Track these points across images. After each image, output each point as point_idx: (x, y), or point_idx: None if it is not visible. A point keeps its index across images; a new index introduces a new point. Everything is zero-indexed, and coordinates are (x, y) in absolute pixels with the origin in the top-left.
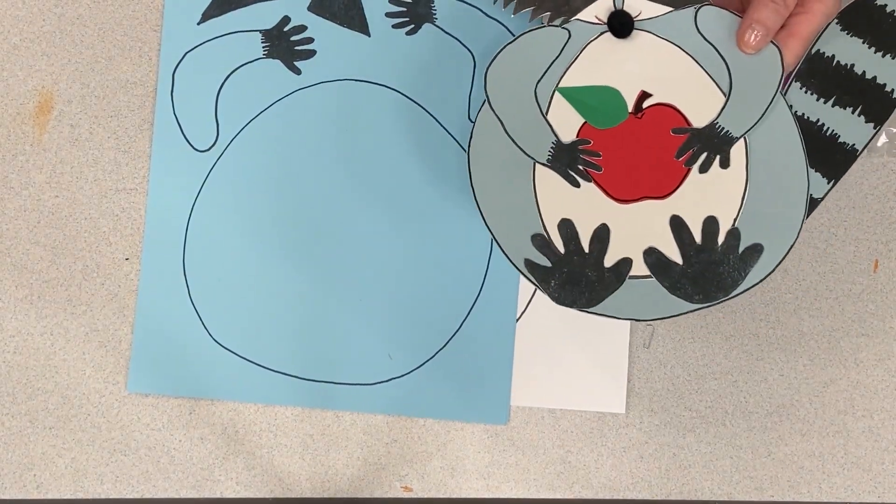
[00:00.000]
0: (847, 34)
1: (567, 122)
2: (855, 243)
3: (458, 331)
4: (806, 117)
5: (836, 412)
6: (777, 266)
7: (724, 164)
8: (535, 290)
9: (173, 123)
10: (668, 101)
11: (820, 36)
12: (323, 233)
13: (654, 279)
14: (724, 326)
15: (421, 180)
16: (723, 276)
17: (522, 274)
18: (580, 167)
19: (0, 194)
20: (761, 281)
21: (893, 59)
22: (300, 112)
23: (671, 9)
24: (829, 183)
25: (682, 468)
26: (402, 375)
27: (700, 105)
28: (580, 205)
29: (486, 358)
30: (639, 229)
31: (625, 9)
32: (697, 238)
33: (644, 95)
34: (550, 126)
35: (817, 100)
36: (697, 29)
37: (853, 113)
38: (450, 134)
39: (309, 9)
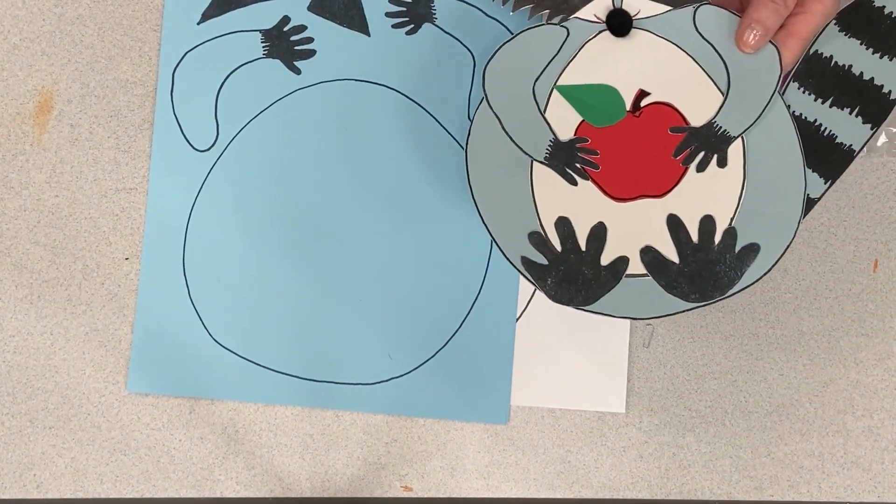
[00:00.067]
0: (845, 35)
1: (565, 121)
2: (854, 243)
3: (457, 330)
4: (803, 117)
5: (835, 412)
6: (773, 266)
7: (722, 163)
8: (535, 289)
9: (173, 123)
10: (667, 99)
11: (818, 36)
12: (323, 232)
13: (650, 278)
14: (723, 326)
15: (421, 180)
16: (719, 276)
17: (519, 272)
18: (578, 165)
19: (0, 194)
20: (757, 280)
21: (891, 60)
22: (300, 112)
23: (670, 8)
24: (826, 183)
25: (681, 468)
26: (402, 375)
27: (698, 104)
28: (577, 203)
29: (485, 358)
30: (636, 228)
31: (623, 7)
32: (694, 237)
33: (642, 94)
34: (548, 124)
35: (815, 100)
36: (696, 28)
37: (851, 114)
38: (450, 134)
39: (309, 9)
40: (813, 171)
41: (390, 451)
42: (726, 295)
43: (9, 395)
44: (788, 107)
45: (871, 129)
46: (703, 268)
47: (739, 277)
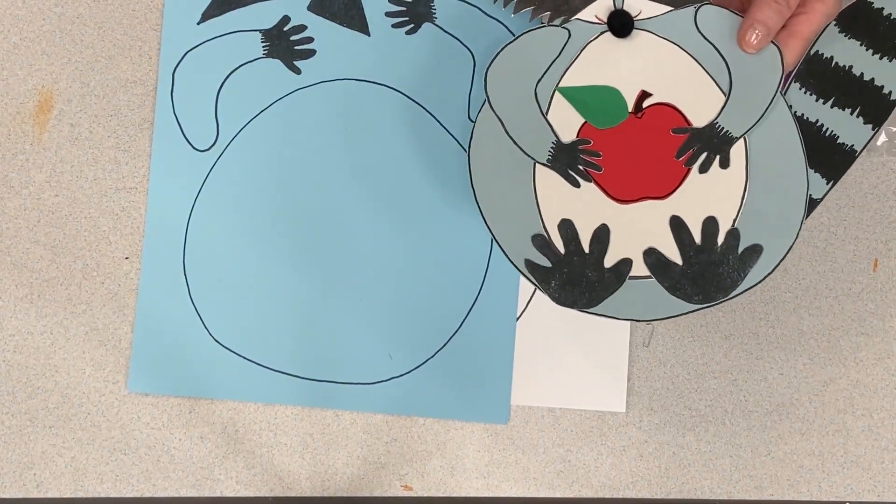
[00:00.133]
0: (845, 36)
1: (567, 122)
2: (855, 243)
3: (458, 330)
4: (805, 118)
5: (835, 411)
6: (776, 267)
7: (724, 164)
8: (535, 289)
9: (173, 123)
10: (668, 100)
11: (818, 37)
12: (323, 232)
13: (653, 279)
14: (723, 325)
15: (421, 180)
16: (722, 277)
17: (523, 274)
18: (580, 167)
19: (0, 194)
20: (760, 281)
21: (891, 61)
22: (300, 112)
23: (671, 8)
24: (828, 184)
25: (681, 467)
26: (403, 375)
27: (700, 105)
28: (580, 205)
29: (486, 357)
30: (639, 229)
31: (625, 8)
32: (697, 238)
33: (644, 95)
34: (550, 126)
35: (816, 100)
36: (697, 28)
37: (852, 114)
38: (450, 133)
39: (309, 8)
40: (815, 172)
41: (390, 450)
42: (729, 296)
43: (9, 395)
44: (790, 107)
45: (873, 129)
46: (706, 269)
47: (742, 279)
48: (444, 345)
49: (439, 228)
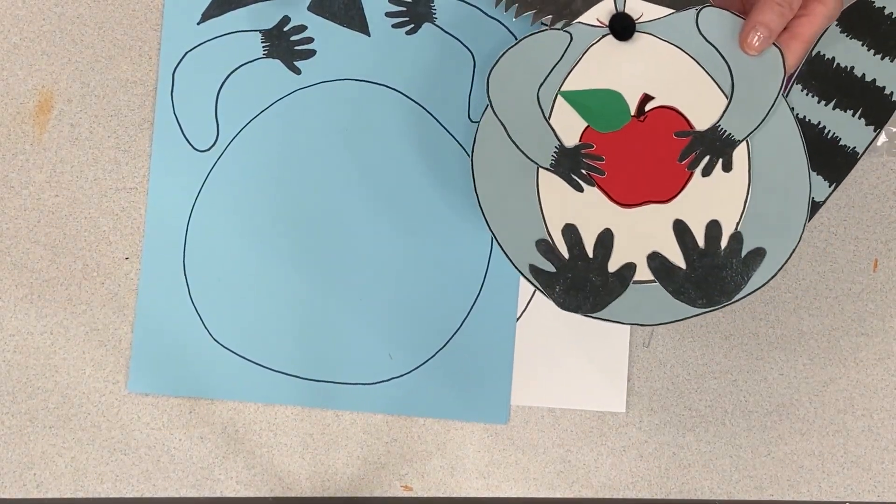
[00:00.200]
0: (847, 36)
1: (570, 126)
2: (855, 243)
3: (458, 330)
4: (807, 119)
5: (835, 411)
6: (779, 270)
7: (727, 167)
8: (536, 290)
9: (173, 123)
10: (671, 103)
11: (820, 38)
12: (323, 232)
13: (657, 284)
14: (723, 326)
15: (421, 180)
16: (726, 281)
17: (527, 280)
18: (583, 171)
19: (0, 194)
20: (764, 285)
21: (892, 61)
22: (300, 112)
23: (672, 10)
24: (830, 186)
25: (681, 467)
26: (403, 375)
27: (702, 107)
28: (584, 209)
29: (486, 357)
30: (642, 234)
31: (626, 11)
32: (701, 242)
33: (646, 98)
34: (553, 130)
35: (818, 102)
36: (699, 30)
37: (854, 115)
38: (450, 134)
39: (309, 8)
40: (817, 174)
41: (390, 450)
42: (733, 300)
43: (9, 395)
44: (792, 109)
45: (874, 130)
46: (710, 273)
47: (746, 282)
48: (445, 345)
49: (439, 228)
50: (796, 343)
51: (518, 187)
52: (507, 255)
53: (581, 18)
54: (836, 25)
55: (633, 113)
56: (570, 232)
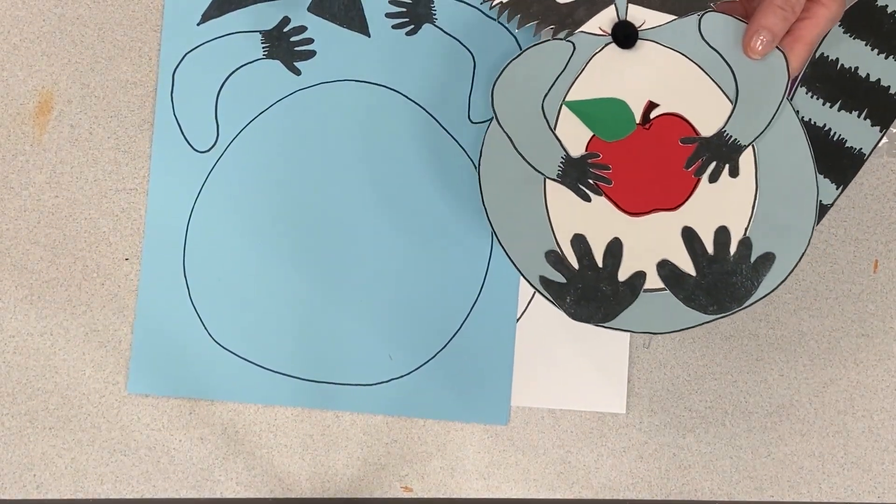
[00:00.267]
0: (850, 37)
1: (575, 136)
2: (855, 243)
3: (458, 331)
4: (813, 122)
5: (835, 412)
6: (789, 274)
7: (734, 172)
8: (543, 296)
9: (173, 124)
10: (676, 110)
11: (823, 39)
12: (323, 233)
13: (668, 292)
14: (723, 327)
15: (421, 181)
16: (736, 286)
17: (538, 291)
18: (590, 181)
19: (0, 194)
20: (774, 289)
21: None
22: (300, 113)
23: (675, 17)
24: (837, 188)
25: (681, 468)
26: (403, 376)
27: (707, 113)
28: (592, 219)
29: (486, 359)
30: (651, 242)
31: (628, 19)
32: (710, 249)
33: (651, 105)
34: (559, 141)
35: (823, 104)
36: (702, 36)
37: (859, 117)
38: (450, 135)
39: (309, 9)
40: (824, 177)
41: (390, 451)
42: (744, 306)
43: (9, 396)
44: (797, 112)
45: (880, 131)
46: (720, 279)
47: (756, 287)
48: (445, 346)
49: (439, 229)
50: (796, 344)
51: (526, 199)
52: (517, 267)
53: (583, 27)
54: (839, 26)
55: (638, 121)
56: (579, 242)
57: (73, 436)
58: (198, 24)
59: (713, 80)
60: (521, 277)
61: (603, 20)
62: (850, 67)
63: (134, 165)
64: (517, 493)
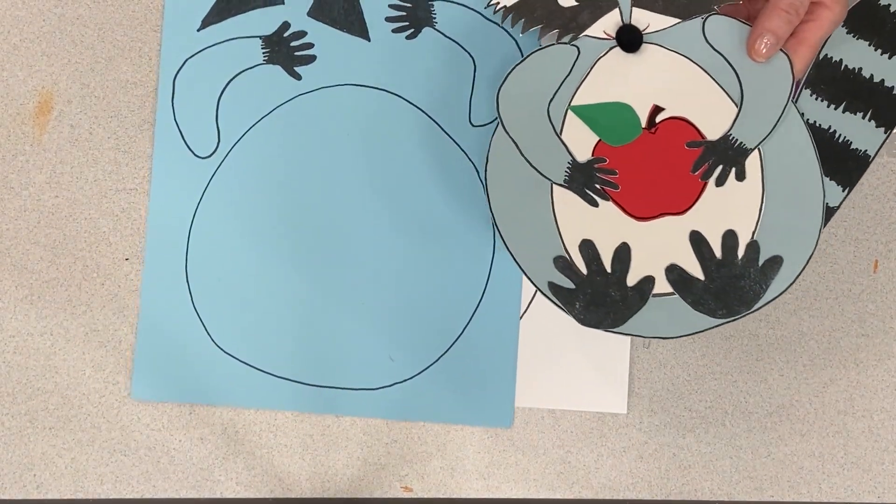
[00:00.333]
0: (853, 37)
1: (581, 141)
2: (855, 243)
3: (461, 335)
4: (818, 125)
5: (835, 412)
6: (797, 277)
7: (740, 176)
8: (536, 290)
9: (174, 130)
10: (681, 114)
11: (826, 41)
12: (324, 237)
13: (677, 296)
14: (723, 327)
15: (423, 184)
16: (744, 290)
17: (547, 297)
18: (597, 186)
19: (0, 194)
20: (783, 292)
21: None
22: (301, 117)
23: (679, 20)
24: (844, 191)
25: (682, 468)
26: (406, 380)
27: (713, 117)
28: (600, 224)
29: (489, 362)
30: (659, 246)
31: (632, 23)
32: (717, 252)
33: (656, 109)
34: (565, 146)
35: (828, 106)
36: (706, 39)
37: (864, 118)
38: (451, 138)
39: (309, 14)
40: (830, 180)
41: (390, 451)
42: (752, 309)
43: (9, 396)
44: (802, 115)
45: (885, 132)
46: (728, 283)
47: (765, 291)
48: (448, 350)
49: (441, 233)
50: (796, 344)
51: (533, 205)
52: (525, 273)
53: (588, 31)
54: (842, 26)
55: (643, 125)
56: (587, 247)
57: (74, 436)
58: (198, 30)
59: (718, 84)
60: (529, 282)
61: (607, 24)
62: (854, 68)
63: (134, 165)
64: (517, 493)
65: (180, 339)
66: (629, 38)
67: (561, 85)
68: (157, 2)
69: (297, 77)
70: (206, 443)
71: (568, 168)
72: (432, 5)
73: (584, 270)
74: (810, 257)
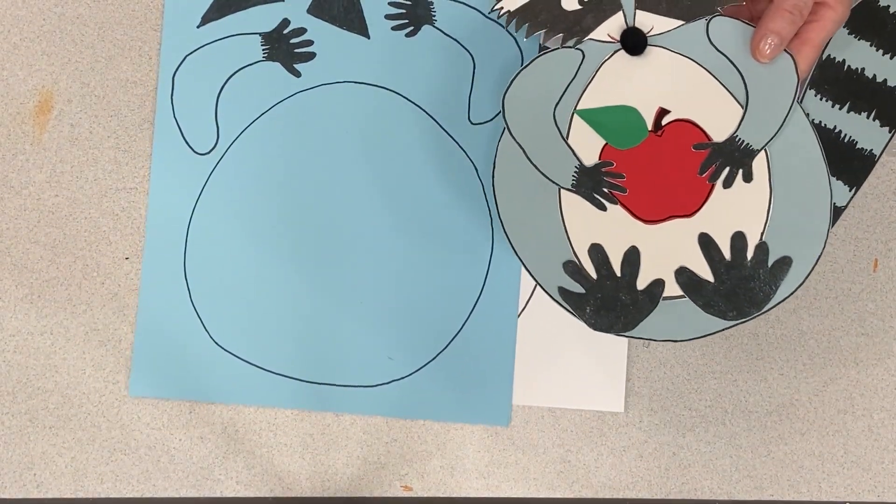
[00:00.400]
0: (855, 38)
1: (588, 145)
2: (855, 243)
3: (459, 332)
4: (823, 125)
5: (835, 411)
6: (807, 277)
7: (747, 177)
8: (535, 287)
9: (174, 127)
10: (687, 116)
11: (829, 41)
12: (323, 234)
13: (687, 299)
14: None
15: (421, 182)
16: (754, 291)
17: (557, 302)
18: (605, 190)
19: (0, 194)
20: (793, 293)
21: None
22: (300, 115)
23: (683, 22)
24: (850, 190)
25: (681, 467)
26: (404, 377)
27: (718, 118)
28: (608, 228)
29: (487, 360)
30: (668, 249)
31: (637, 25)
32: (727, 254)
33: (662, 112)
34: (572, 150)
35: (832, 106)
36: (710, 41)
37: (868, 118)
38: (450, 136)
39: (308, 11)
40: (837, 179)
41: (390, 450)
42: (763, 310)
43: (9, 395)
44: (807, 115)
45: (889, 132)
46: (738, 285)
47: (774, 292)
48: (445, 347)
49: (440, 231)
50: (796, 343)
51: (541, 209)
52: (535, 278)
53: (592, 35)
54: (844, 27)
55: (650, 128)
56: (597, 251)
57: (74, 435)
58: (197, 27)
59: (723, 85)
60: (535, 285)
61: (611, 27)
62: (857, 69)
63: (134, 164)
64: (517, 492)
65: (179, 335)
66: (634, 41)
67: (566, 89)
68: (156, 1)
69: (297, 74)
70: (207, 442)
71: (575, 172)
72: (432, 3)
73: (593, 275)
74: (819, 257)
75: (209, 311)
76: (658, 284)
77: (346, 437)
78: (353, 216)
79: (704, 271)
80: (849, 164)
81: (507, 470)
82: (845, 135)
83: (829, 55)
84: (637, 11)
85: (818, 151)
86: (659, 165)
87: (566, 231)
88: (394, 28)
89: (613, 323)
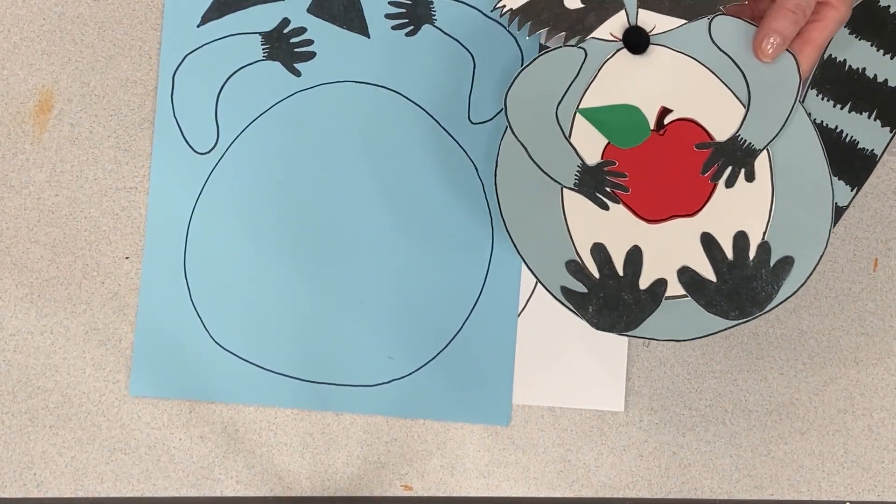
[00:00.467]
0: (856, 38)
1: (591, 144)
2: (855, 242)
3: (459, 332)
4: (825, 125)
5: (835, 411)
6: (809, 277)
7: (750, 177)
8: (535, 286)
9: (174, 126)
10: (689, 115)
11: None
12: (323, 234)
13: (689, 298)
14: None
15: (421, 181)
16: (757, 291)
17: (560, 302)
18: (607, 189)
19: (0, 194)
20: (795, 293)
21: None
22: (300, 114)
23: (685, 21)
24: (852, 190)
25: (681, 467)
26: (404, 377)
27: (721, 118)
28: (611, 227)
29: (487, 359)
30: (670, 249)
31: (639, 24)
32: (729, 254)
33: (665, 111)
34: (574, 149)
35: (834, 106)
36: (712, 40)
37: (869, 117)
38: (450, 135)
39: (308, 11)
40: (839, 179)
41: (390, 450)
42: (765, 310)
43: (9, 395)
44: (809, 115)
45: (891, 131)
46: (741, 284)
47: (777, 291)
48: (445, 346)
49: (440, 230)
50: (796, 342)
51: (543, 209)
52: (537, 277)
53: (594, 34)
54: (844, 27)
55: (652, 127)
56: (599, 251)
57: (74, 434)
58: (197, 26)
59: (725, 85)
60: (539, 285)
61: (614, 26)
62: (858, 69)
63: (134, 164)
64: (517, 491)
65: (179, 335)
66: (636, 40)
67: (569, 88)
68: (156, 0)
69: (297, 73)
70: (207, 441)
71: (578, 171)
72: (432, 3)
73: (596, 274)
74: (821, 257)
75: (209, 311)
76: (660, 284)
77: (347, 437)
78: (353, 216)
79: (707, 271)
80: (850, 163)
81: (507, 469)
82: (847, 135)
83: (830, 55)
84: (639, 10)
85: (820, 151)
86: (661, 165)
87: (569, 230)
88: (394, 27)
89: (616, 322)
